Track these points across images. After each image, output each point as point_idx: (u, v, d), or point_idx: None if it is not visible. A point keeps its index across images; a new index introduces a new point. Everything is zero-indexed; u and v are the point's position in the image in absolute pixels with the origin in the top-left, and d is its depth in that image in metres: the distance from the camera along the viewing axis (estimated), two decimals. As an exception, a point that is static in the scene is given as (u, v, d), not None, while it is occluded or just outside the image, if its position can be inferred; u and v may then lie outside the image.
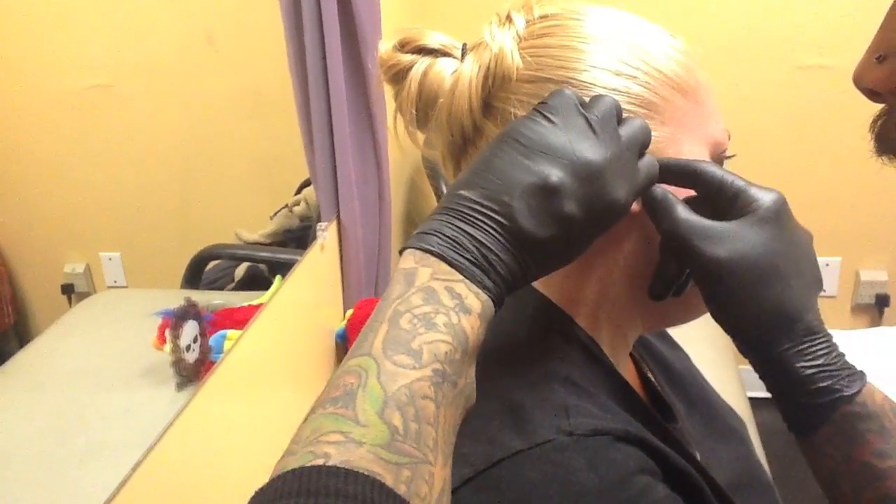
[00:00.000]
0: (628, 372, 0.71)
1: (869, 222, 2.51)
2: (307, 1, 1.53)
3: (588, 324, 0.61)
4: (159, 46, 1.42)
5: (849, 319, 2.65)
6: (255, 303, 1.46)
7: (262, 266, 1.71)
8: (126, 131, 1.35)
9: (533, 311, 0.62)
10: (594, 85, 0.58)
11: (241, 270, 1.68)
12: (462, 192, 0.50)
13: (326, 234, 1.71)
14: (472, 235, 0.49)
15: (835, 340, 0.58)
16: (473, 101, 0.60)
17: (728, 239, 0.55)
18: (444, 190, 2.19)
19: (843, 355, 0.58)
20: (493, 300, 0.48)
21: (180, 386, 1.19)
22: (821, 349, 0.57)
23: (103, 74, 1.30)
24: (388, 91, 0.67)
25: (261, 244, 1.73)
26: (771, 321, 0.56)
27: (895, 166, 0.62)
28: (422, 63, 0.62)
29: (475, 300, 0.47)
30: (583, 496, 0.48)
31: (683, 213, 0.56)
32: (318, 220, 1.73)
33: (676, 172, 0.57)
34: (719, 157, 0.62)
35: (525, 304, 0.62)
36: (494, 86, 0.60)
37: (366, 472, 0.39)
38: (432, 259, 0.48)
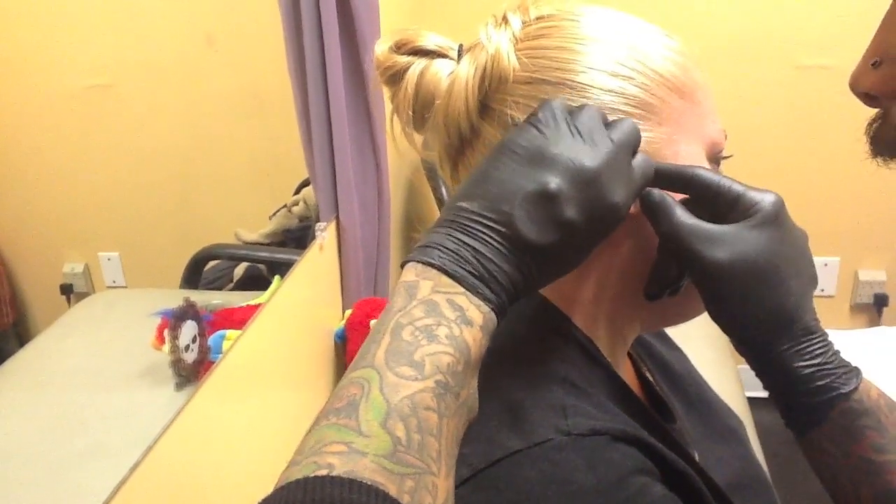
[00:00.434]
0: (626, 372, 0.71)
1: (868, 222, 2.51)
2: (306, 2, 1.53)
3: (586, 324, 0.61)
4: (159, 47, 1.43)
5: (847, 319, 2.65)
6: (253, 303, 1.46)
7: (261, 266, 1.71)
8: (125, 131, 1.35)
9: (531, 312, 0.63)
10: (591, 86, 0.58)
11: (240, 270, 1.68)
12: (462, 203, 0.51)
13: (325, 235, 1.71)
14: (472, 247, 0.49)
15: (832, 339, 0.59)
16: (470, 103, 0.60)
17: (729, 242, 0.55)
18: (444, 191, 2.20)
19: (838, 353, 0.59)
20: (494, 312, 0.49)
21: (179, 386, 1.20)
22: (818, 348, 0.57)
23: (103, 75, 1.31)
24: (386, 92, 0.67)
25: (260, 244, 1.73)
26: (770, 322, 0.57)
27: (890, 168, 0.64)
28: (418, 64, 0.62)
29: (476, 312, 0.48)
30: (581, 495, 0.48)
31: (682, 216, 0.56)
32: (317, 221, 1.73)
33: (671, 178, 0.57)
34: (716, 157, 0.62)
35: (523, 305, 0.62)
36: (491, 87, 0.60)
37: (369, 482, 0.39)
38: (433, 272, 0.48)
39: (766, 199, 0.56)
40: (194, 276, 1.50)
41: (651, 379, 0.76)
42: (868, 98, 0.63)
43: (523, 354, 0.60)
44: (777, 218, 0.56)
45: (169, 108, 1.47)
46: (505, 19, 0.62)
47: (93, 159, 1.30)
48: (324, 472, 0.40)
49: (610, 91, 0.58)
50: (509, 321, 0.61)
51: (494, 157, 0.52)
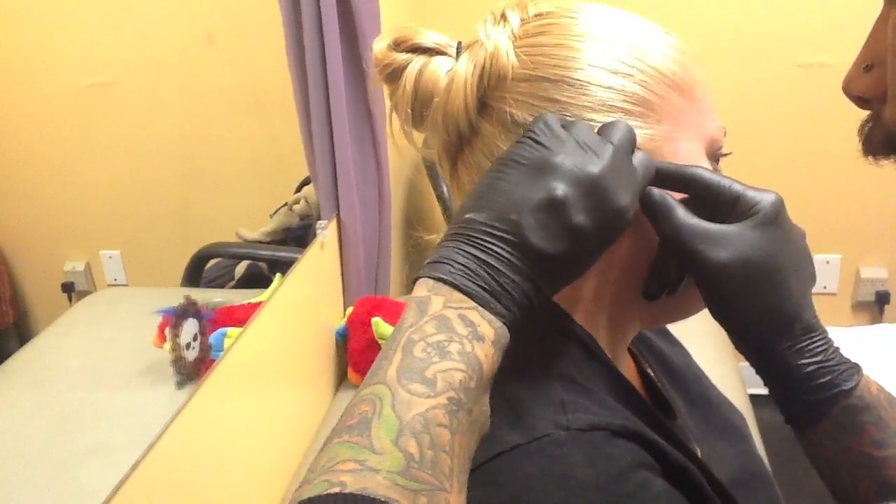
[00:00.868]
0: (627, 368, 0.71)
1: (869, 220, 2.51)
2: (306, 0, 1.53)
3: (586, 321, 0.61)
4: (160, 45, 1.43)
5: (849, 317, 2.65)
6: (255, 301, 1.46)
7: (263, 264, 1.71)
8: (126, 130, 1.35)
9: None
10: (589, 83, 0.58)
11: (241, 269, 1.68)
12: (470, 215, 0.51)
13: (326, 233, 1.71)
14: (483, 260, 0.49)
15: (832, 337, 0.59)
16: (469, 101, 0.60)
17: (730, 242, 0.55)
18: (445, 190, 2.19)
19: (839, 350, 0.59)
20: (507, 326, 0.49)
21: (180, 384, 1.20)
22: (819, 346, 0.58)
23: (104, 73, 1.31)
24: (386, 89, 0.66)
25: (261, 242, 1.73)
26: (771, 322, 0.57)
27: (881, 166, 0.66)
28: (417, 62, 0.62)
29: (488, 327, 0.48)
30: (581, 490, 0.48)
31: (683, 216, 0.56)
32: (318, 219, 1.73)
33: (671, 178, 0.57)
34: (716, 155, 0.62)
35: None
36: (490, 85, 0.60)
37: (383, 499, 0.39)
38: (445, 287, 0.49)
39: (766, 199, 0.56)
40: (195, 274, 1.51)
41: (652, 375, 0.76)
42: (860, 101, 0.65)
43: (524, 351, 0.59)
44: (777, 218, 0.56)
45: (170, 106, 1.47)
46: (504, 17, 0.62)
47: (94, 157, 1.30)
48: (336, 490, 0.40)
49: (609, 88, 0.58)
50: None
51: (498, 169, 0.53)
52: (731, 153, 0.63)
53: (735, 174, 0.58)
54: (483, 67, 0.59)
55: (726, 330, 0.59)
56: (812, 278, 0.59)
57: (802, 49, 2.35)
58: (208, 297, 1.40)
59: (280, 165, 1.86)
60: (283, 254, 1.71)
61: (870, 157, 0.66)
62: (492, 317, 0.48)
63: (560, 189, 0.50)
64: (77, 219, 1.29)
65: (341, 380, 1.88)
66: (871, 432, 0.58)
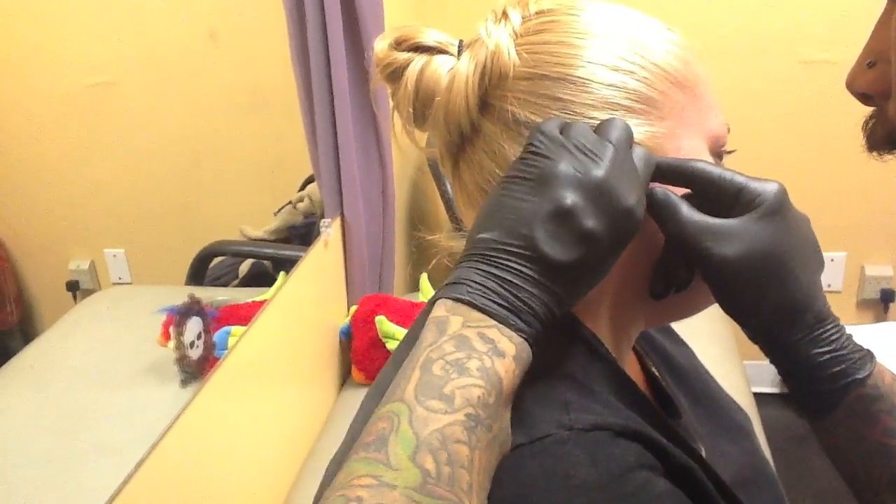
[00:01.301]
0: (632, 367, 0.71)
1: (874, 217, 2.50)
2: (310, -3, 1.53)
3: (590, 320, 0.61)
4: (162, 44, 1.43)
5: (854, 314, 2.64)
6: (259, 299, 1.46)
7: (267, 263, 1.71)
8: (130, 128, 1.35)
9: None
10: (591, 81, 0.57)
11: (245, 267, 1.68)
12: (482, 235, 0.51)
13: (330, 231, 1.72)
14: (500, 277, 0.49)
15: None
16: (470, 99, 0.60)
17: (737, 237, 0.55)
18: (449, 189, 2.19)
19: (851, 337, 0.59)
20: (527, 342, 0.49)
21: (184, 382, 1.20)
22: (832, 334, 0.58)
23: (107, 72, 1.31)
24: (389, 87, 0.66)
25: (265, 241, 1.73)
26: (783, 313, 0.57)
27: (885, 161, 0.68)
28: (418, 61, 0.62)
29: (509, 343, 0.48)
30: (584, 490, 0.48)
31: (688, 213, 0.56)
32: (322, 217, 1.73)
33: (671, 173, 0.57)
34: (719, 151, 0.61)
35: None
36: (491, 83, 0.59)
37: None
38: (463, 307, 0.49)
39: (769, 190, 0.56)
40: (199, 272, 1.51)
41: (657, 374, 0.75)
42: (864, 97, 0.65)
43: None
44: (781, 208, 0.56)
45: (173, 105, 1.47)
46: (505, 14, 0.61)
47: (98, 157, 1.30)
48: None
49: (611, 86, 0.57)
50: None
51: (504, 186, 0.53)
52: (734, 150, 0.63)
53: (740, 171, 0.57)
54: (484, 66, 0.59)
55: (738, 323, 0.59)
56: (820, 264, 0.59)
57: (806, 46, 2.34)
58: (212, 295, 1.40)
59: (284, 163, 1.86)
60: (286, 252, 1.71)
61: (874, 153, 0.67)
62: (512, 333, 0.48)
63: (568, 198, 0.50)
64: (81, 218, 1.29)
65: (345, 378, 1.88)
66: (885, 422, 0.58)
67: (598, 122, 0.56)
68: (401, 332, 1.71)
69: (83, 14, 1.26)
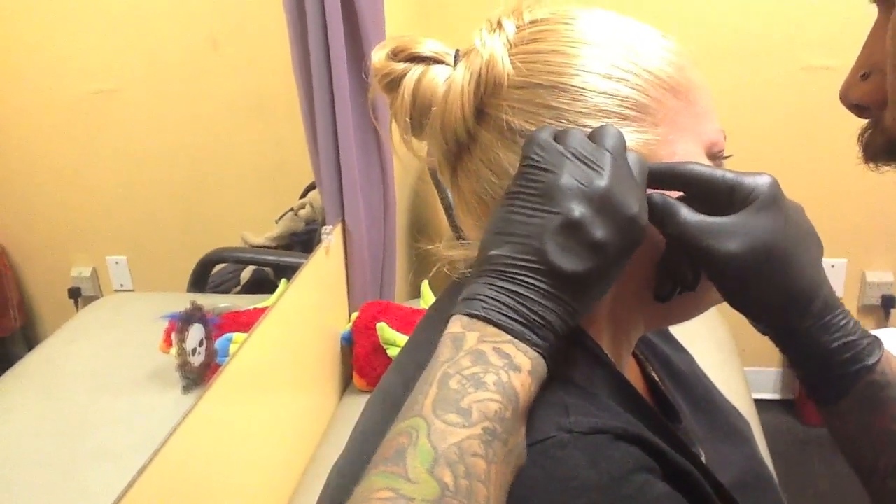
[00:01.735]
0: (631, 372, 0.71)
1: (875, 223, 2.50)
2: (311, 5, 1.53)
3: (590, 326, 0.61)
4: (164, 51, 1.43)
5: (855, 321, 2.64)
6: (260, 306, 1.47)
7: (268, 269, 1.71)
8: (132, 135, 1.36)
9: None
10: (584, 89, 0.58)
11: (246, 274, 1.68)
12: (493, 252, 0.52)
13: (331, 238, 1.72)
14: (514, 292, 0.50)
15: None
16: (466, 109, 0.60)
17: (738, 232, 0.55)
18: (450, 197, 2.19)
19: (858, 323, 0.60)
20: (543, 356, 0.50)
21: (186, 389, 1.20)
22: (841, 321, 0.59)
23: (109, 79, 1.31)
24: (387, 98, 0.67)
25: (266, 248, 1.73)
26: (790, 303, 0.58)
27: (882, 172, 0.68)
28: (415, 71, 0.62)
29: (524, 358, 0.49)
30: (583, 492, 0.49)
31: (687, 214, 0.56)
32: (323, 224, 1.74)
33: (664, 177, 0.57)
34: (715, 157, 0.62)
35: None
36: (486, 92, 0.60)
37: None
38: (479, 323, 0.50)
39: (762, 183, 0.56)
40: (201, 279, 1.51)
41: (657, 379, 0.76)
42: (858, 109, 0.66)
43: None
44: (776, 199, 0.56)
45: (175, 112, 1.48)
46: (499, 24, 0.62)
47: (100, 163, 1.30)
48: None
49: (604, 94, 0.58)
50: None
51: (509, 203, 0.53)
52: (731, 156, 0.63)
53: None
54: (479, 75, 0.60)
55: (747, 317, 0.60)
56: (820, 249, 0.60)
57: (806, 52, 2.35)
58: (214, 302, 1.40)
59: (285, 170, 1.86)
60: (288, 259, 1.72)
61: (870, 164, 0.67)
62: (527, 347, 0.49)
63: (576, 210, 0.50)
64: (83, 224, 1.29)
65: (347, 385, 1.88)
66: (893, 408, 0.59)
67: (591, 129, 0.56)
68: (402, 339, 1.71)
69: (86, 21, 1.26)
